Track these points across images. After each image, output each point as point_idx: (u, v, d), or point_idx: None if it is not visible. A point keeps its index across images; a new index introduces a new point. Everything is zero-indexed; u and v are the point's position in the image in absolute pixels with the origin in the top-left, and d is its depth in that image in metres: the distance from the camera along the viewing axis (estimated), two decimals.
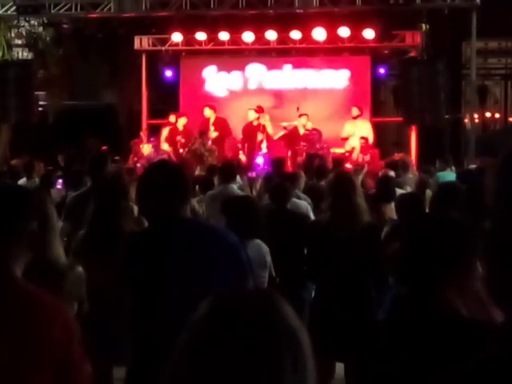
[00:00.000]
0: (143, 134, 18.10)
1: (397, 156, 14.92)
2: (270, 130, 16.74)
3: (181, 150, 16.72)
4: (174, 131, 17.15)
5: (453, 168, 13.04)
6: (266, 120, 16.74)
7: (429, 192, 8.86)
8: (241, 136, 17.03)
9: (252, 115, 16.92)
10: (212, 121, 17.09)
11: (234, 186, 8.96)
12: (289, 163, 16.04)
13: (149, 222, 3.84)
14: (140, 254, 3.65)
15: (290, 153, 16.39)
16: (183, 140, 16.71)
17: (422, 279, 2.43)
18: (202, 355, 1.39)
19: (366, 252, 5.43)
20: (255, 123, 16.83)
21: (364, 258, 5.45)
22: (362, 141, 16.48)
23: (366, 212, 5.56)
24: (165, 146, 16.96)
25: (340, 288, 5.47)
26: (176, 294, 3.48)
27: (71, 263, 4.35)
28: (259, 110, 16.92)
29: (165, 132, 17.32)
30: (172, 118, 17.55)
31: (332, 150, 16.67)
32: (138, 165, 16.42)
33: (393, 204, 6.83)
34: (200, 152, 15.75)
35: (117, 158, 14.66)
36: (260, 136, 16.56)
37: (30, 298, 2.59)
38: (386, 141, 19.66)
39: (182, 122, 17.26)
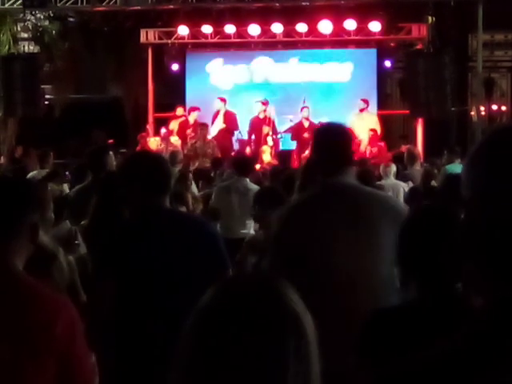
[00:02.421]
0: (149, 128, 18.11)
1: (404, 148, 14.78)
2: (276, 123, 16.74)
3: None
4: (184, 124, 17.12)
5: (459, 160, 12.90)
6: (272, 113, 16.72)
7: (434, 183, 8.84)
8: (247, 129, 17.02)
9: (259, 108, 16.92)
10: (222, 113, 17.08)
11: (247, 179, 8.99)
12: (294, 156, 16.04)
13: (129, 210, 3.89)
14: (119, 243, 3.68)
15: (296, 146, 16.38)
16: (193, 134, 16.65)
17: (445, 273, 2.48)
18: (207, 339, 1.41)
19: None
20: (261, 116, 16.82)
21: None
22: (371, 133, 16.43)
23: None
24: (173, 139, 16.94)
25: None
26: (156, 281, 3.49)
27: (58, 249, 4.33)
28: (265, 103, 16.92)
29: (175, 125, 17.30)
30: (179, 111, 17.54)
31: None
32: None
33: None
34: (197, 146, 15.73)
35: (123, 150, 14.64)
36: (266, 129, 16.55)
37: (31, 293, 2.56)
38: (392, 133, 19.61)
39: (194, 115, 17.22)
